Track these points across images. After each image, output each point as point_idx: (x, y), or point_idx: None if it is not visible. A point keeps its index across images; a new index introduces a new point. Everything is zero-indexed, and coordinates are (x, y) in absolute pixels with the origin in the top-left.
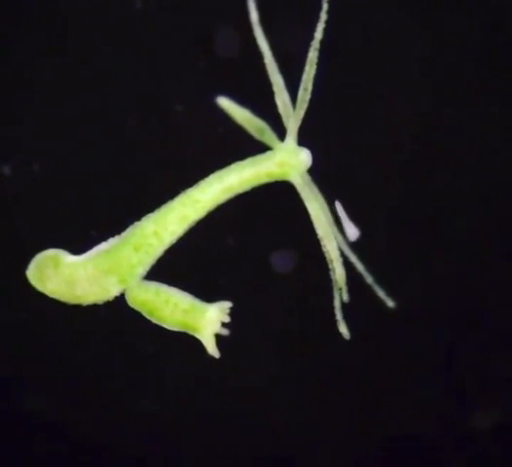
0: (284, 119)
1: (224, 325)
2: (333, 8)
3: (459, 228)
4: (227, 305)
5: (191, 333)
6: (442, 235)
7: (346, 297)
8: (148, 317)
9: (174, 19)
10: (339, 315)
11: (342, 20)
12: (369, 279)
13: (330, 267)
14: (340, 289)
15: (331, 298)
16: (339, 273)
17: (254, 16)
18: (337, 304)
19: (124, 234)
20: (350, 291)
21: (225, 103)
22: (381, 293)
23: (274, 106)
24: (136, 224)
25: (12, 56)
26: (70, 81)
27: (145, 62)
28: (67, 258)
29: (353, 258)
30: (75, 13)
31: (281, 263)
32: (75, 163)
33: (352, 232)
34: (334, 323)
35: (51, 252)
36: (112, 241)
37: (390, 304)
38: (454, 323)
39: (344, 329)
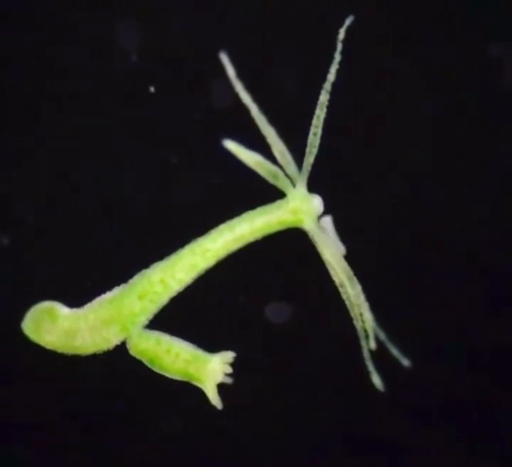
0: (284, 168)
1: (227, 375)
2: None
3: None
4: (230, 355)
5: (193, 383)
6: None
7: (373, 345)
8: (149, 366)
9: (169, 71)
10: (370, 366)
11: (347, 64)
12: (382, 336)
13: (352, 314)
14: (367, 337)
15: (332, 347)
16: (367, 319)
17: (231, 72)
18: (366, 353)
19: (129, 283)
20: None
21: (231, 146)
22: (394, 351)
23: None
24: (143, 272)
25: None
26: (66, 138)
27: (141, 118)
28: (63, 310)
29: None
30: (72, 67)
31: (279, 312)
32: (80, 217)
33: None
34: (332, 371)
35: (46, 304)
36: (116, 290)
37: (405, 362)
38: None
39: (377, 380)
